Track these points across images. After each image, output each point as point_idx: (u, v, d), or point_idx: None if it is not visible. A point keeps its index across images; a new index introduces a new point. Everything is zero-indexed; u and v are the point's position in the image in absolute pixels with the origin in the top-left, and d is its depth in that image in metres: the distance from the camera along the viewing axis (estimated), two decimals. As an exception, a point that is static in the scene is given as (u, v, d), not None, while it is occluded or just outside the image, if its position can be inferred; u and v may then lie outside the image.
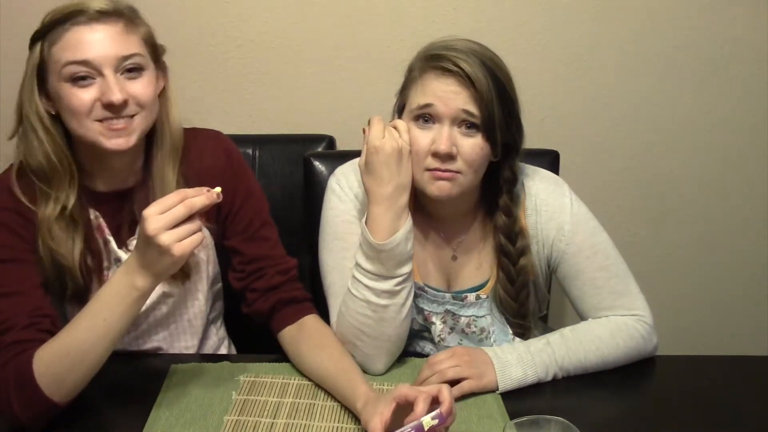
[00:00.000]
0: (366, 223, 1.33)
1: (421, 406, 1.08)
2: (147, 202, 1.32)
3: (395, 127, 1.34)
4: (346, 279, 1.37)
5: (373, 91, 1.93)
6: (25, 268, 1.27)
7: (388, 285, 1.32)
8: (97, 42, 1.24)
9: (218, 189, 1.14)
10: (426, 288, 1.46)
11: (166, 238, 1.09)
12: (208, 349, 1.52)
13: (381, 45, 1.92)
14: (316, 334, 1.37)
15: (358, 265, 1.34)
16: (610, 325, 1.39)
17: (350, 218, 1.42)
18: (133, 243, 1.36)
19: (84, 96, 1.24)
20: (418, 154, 1.33)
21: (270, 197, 1.50)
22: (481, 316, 1.46)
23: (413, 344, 1.51)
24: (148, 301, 1.31)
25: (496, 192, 1.42)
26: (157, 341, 1.45)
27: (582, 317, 1.44)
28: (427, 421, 1.07)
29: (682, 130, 2.03)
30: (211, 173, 1.39)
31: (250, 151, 1.80)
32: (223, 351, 1.56)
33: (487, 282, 1.46)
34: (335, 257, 1.41)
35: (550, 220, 1.42)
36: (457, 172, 1.32)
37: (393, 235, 1.30)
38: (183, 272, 1.37)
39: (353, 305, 1.34)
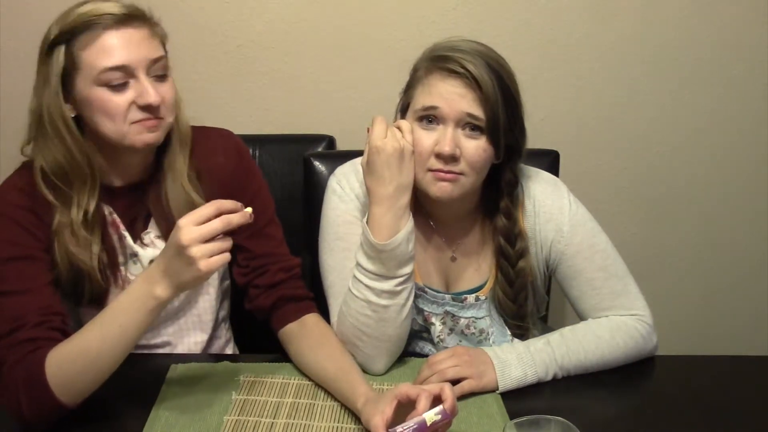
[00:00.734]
0: (367, 222, 1.33)
1: (423, 403, 1.09)
2: (160, 196, 1.34)
3: (399, 128, 1.34)
4: (347, 279, 1.37)
5: (374, 91, 1.94)
6: (36, 265, 1.28)
7: (388, 285, 1.32)
8: (131, 46, 1.25)
9: (250, 209, 1.15)
10: (426, 289, 1.46)
11: (197, 251, 1.09)
12: (217, 347, 1.53)
13: (381, 45, 1.92)
14: (316, 332, 1.38)
15: (359, 264, 1.34)
16: (610, 325, 1.39)
17: (351, 218, 1.42)
18: (146, 237, 1.38)
19: (120, 100, 1.25)
20: (421, 155, 1.32)
21: (270, 197, 1.50)
22: (480, 318, 1.46)
23: (413, 344, 1.51)
24: None
25: (496, 194, 1.42)
26: (167, 335, 1.46)
27: (581, 317, 1.45)
28: (430, 416, 1.07)
29: (682, 130, 2.03)
30: (223, 170, 1.41)
31: (250, 151, 1.80)
32: (229, 350, 1.57)
33: (485, 283, 1.46)
34: (336, 257, 1.41)
35: (548, 222, 1.42)
36: (460, 173, 1.32)
37: (394, 236, 1.30)
38: None
39: (354, 305, 1.34)
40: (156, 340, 1.45)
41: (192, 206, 1.23)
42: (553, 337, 1.38)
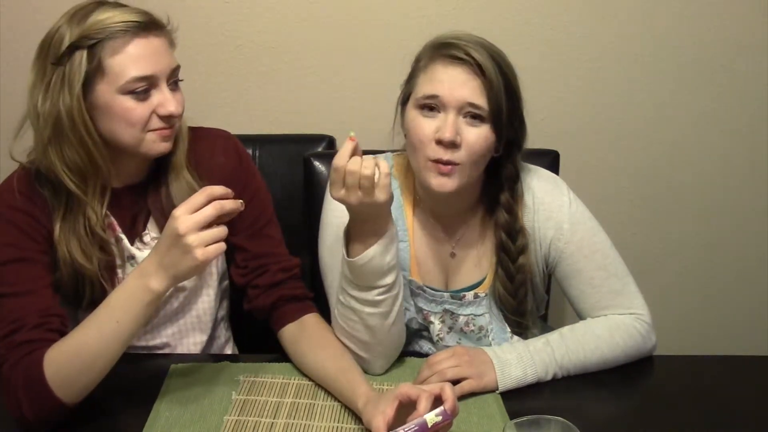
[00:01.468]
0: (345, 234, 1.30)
1: (423, 404, 1.09)
2: (161, 195, 1.34)
3: (377, 165, 1.20)
4: (346, 279, 1.36)
5: (373, 91, 1.93)
6: (35, 267, 1.28)
7: (369, 295, 1.30)
8: (157, 55, 1.26)
9: (240, 201, 1.15)
10: (425, 288, 1.46)
11: (194, 239, 1.10)
12: (216, 347, 1.53)
13: (381, 45, 1.92)
14: (316, 332, 1.38)
15: (341, 272, 1.32)
16: (609, 324, 1.39)
17: (351, 219, 1.42)
18: (146, 236, 1.38)
19: (143, 110, 1.26)
20: (421, 142, 1.32)
21: (270, 197, 1.50)
22: (479, 315, 1.46)
23: (412, 344, 1.51)
24: None
25: (497, 189, 1.42)
26: (166, 337, 1.46)
27: (581, 316, 1.45)
28: (431, 417, 1.07)
29: (682, 129, 2.03)
30: (223, 171, 1.41)
31: (250, 151, 1.79)
32: (229, 350, 1.56)
33: (484, 279, 1.46)
34: (336, 257, 1.41)
35: (548, 219, 1.42)
36: (459, 163, 1.31)
37: (363, 252, 1.26)
38: None
39: (342, 311, 1.34)
40: (155, 341, 1.45)
41: None
42: (553, 336, 1.38)
